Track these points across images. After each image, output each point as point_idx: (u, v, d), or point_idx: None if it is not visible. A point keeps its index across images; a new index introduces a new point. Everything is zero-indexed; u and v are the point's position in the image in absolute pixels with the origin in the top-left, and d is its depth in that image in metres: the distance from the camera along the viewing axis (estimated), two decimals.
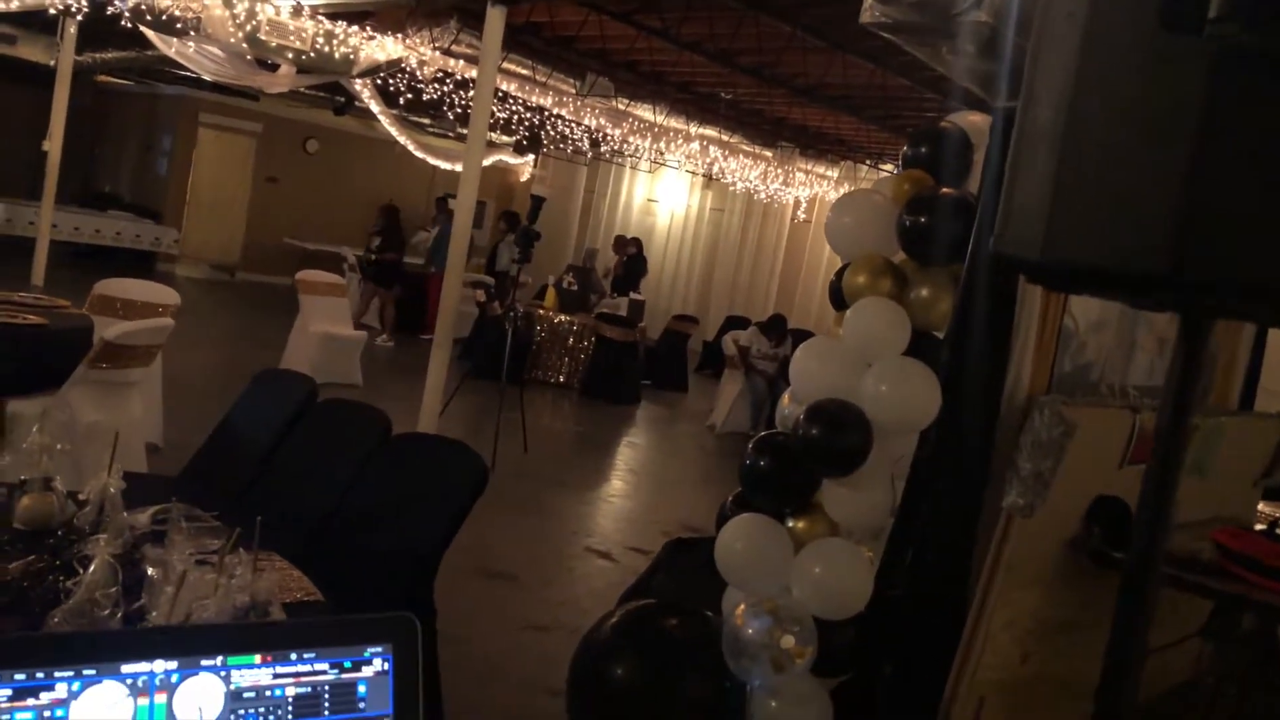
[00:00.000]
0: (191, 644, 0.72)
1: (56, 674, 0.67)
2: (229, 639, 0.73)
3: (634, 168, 16.56)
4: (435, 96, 9.65)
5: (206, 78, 10.73)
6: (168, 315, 5.25)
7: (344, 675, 0.76)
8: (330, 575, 2.57)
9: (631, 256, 13.42)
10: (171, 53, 8.98)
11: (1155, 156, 0.85)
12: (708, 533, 3.02)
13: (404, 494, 2.73)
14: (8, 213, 13.62)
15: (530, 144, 12.53)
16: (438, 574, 4.47)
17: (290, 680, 0.75)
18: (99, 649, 0.70)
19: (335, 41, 7.89)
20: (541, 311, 11.16)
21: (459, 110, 9.77)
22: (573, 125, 10.68)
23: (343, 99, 13.06)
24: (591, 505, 6.75)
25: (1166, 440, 0.99)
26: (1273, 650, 2.92)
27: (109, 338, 4.18)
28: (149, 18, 7.52)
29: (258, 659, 0.74)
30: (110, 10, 8.19)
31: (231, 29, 7.47)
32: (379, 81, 9.60)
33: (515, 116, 10.46)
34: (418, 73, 8.77)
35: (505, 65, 8.32)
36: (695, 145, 10.49)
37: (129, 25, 8.36)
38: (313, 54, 7.88)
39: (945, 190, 2.68)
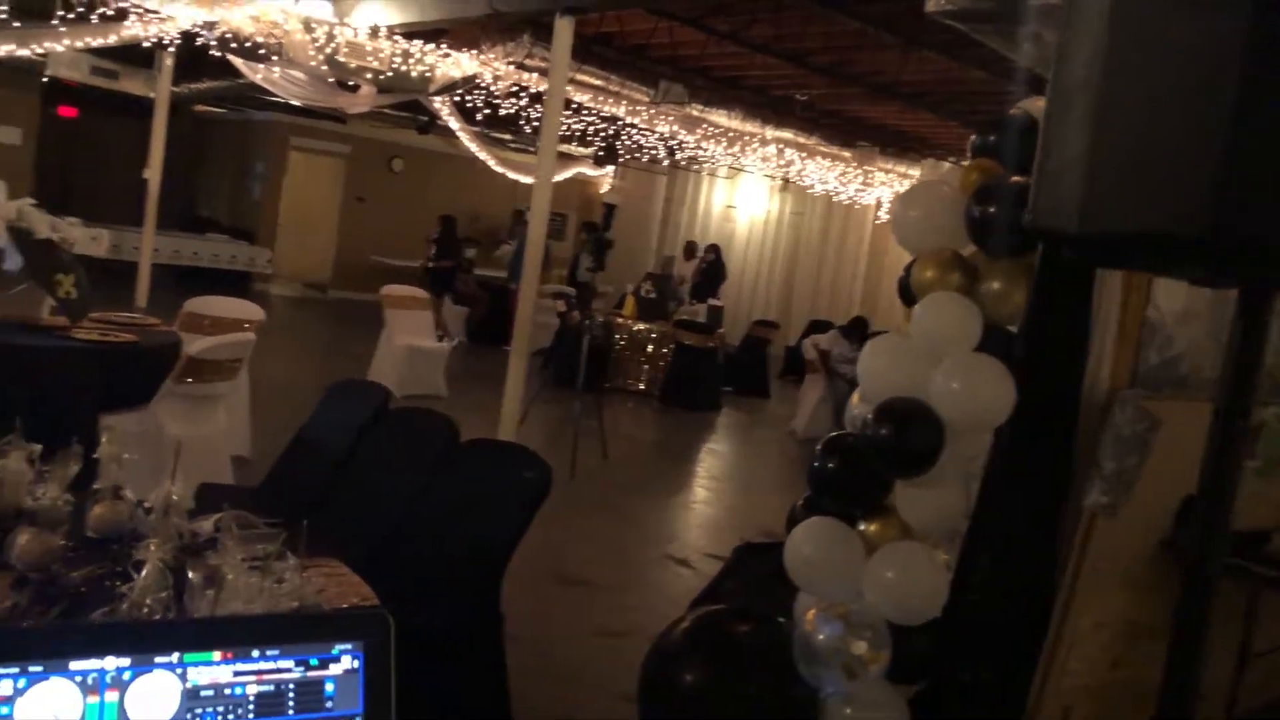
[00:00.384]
0: (146, 640, 0.70)
1: (1, 671, 0.66)
2: (185, 636, 0.71)
3: (712, 174, 16.51)
4: (512, 111, 9.76)
5: (293, 102, 11.06)
6: (251, 331, 5.39)
7: (310, 673, 0.73)
8: (398, 581, 2.59)
9: (710, 263, 13.37)
10: (258, 79, 9.27)
11: (1195, 112, 0.78)
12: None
13: (470, 499, 2.75)
14: (115, 238, 14.12)
15: (607, 155, 12.58)
16: (514, 580, 4.50)
17: (252, 678, 0.72)
18: (47, 645, 0.67)
19: (412, 60, 8.03)
20: (620, 320, 11.18)
21: (535, 124, 9.87)
22: (647, 134, 10.68)
23: (425, 118, 13.31)
24: (670, 512, 6.72)
25: (1225, 424, 0.92)
26: None
27: (193, 353, 4.31)
28: (234, 45, 7.78)
29: (216, 656, 0.71)
30: (199, 41, 8.49)
31: (312, 52, 7.67)
32: (457, 98, 9.75)
33: (590, 128, 10.51)
34: (493, 88, 8.88)
35: (578, 76, 8.37)
36: (772, 148, 10.40)
37: (218, 55, 8.66)
38: (390, 73, 8.03)
39: (1015, 178, 2.59)
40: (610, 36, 8.45)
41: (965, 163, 2.84)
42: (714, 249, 13.70)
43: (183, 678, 0.69)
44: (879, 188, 12.51)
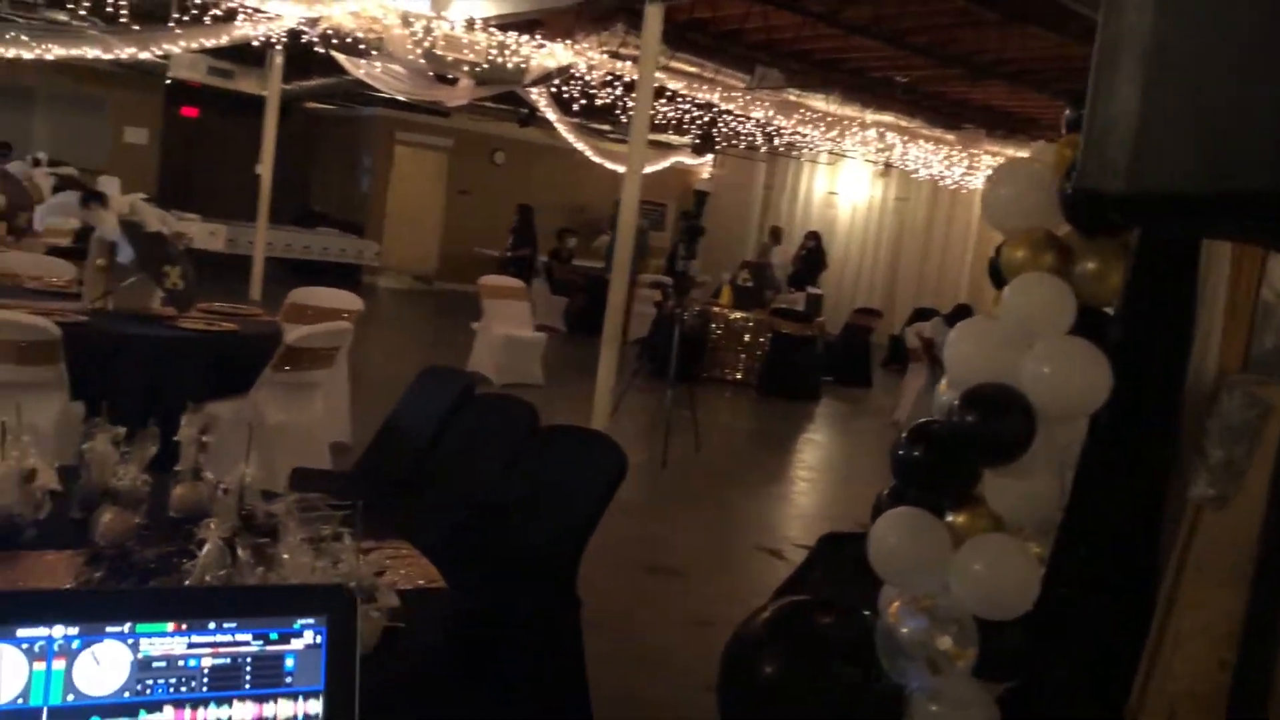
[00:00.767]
0: (96, 609, 0.68)
1: None
2: (138, 606, 0.70)
3: (812, 160, 16.27)
4: (608, 101, 9.77)
5: (396, 96, 11.30)
6: (350, 320, 5.51)
7: (269, 647, 0.71)
8: (477, 565, 2.61)
9: (810, 250, 13.18)
10: (360, 74, 9.50)
11: (1262, 53, 0.70)
12: None
13: (547, 485, 2.75)
14: (231, 233, 14.78)
15: (704, 142, 12.50)
16: (602, 568, 4.51)
17: (207, 651, 0.70)
18: None
19: (507, 52, 8.11)
20: (717, 309, 11.11)
21: (631, 113, 9.87)
22: (743, 120, 10.57)
23: (526, 110, 13.46)
24: (764, 502, 6.64)
25: None
26: None
27: (289, 341, 4.43)
28: (335, 41, 7.97)
29: (170, 627, 0.70)
30: (304, 38, 8.74)
31: (410, 46, 7.82)
32: (553, 89, 9.81)
33: (686, 115, 10.46)
34: (588, 78, 8.90)
35: (672, 64, 8.33)
36: (872, 132, 10.17)
37: (321, 51, 8.90)
38: (486, 65, 8.13)
39: None
40: (704, 22, 8.38)
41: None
42: (814, 236, 13.50)
43: (134, 648, 0.68)
44: (986, 171, 12.14)
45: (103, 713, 0.65)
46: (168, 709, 0.66)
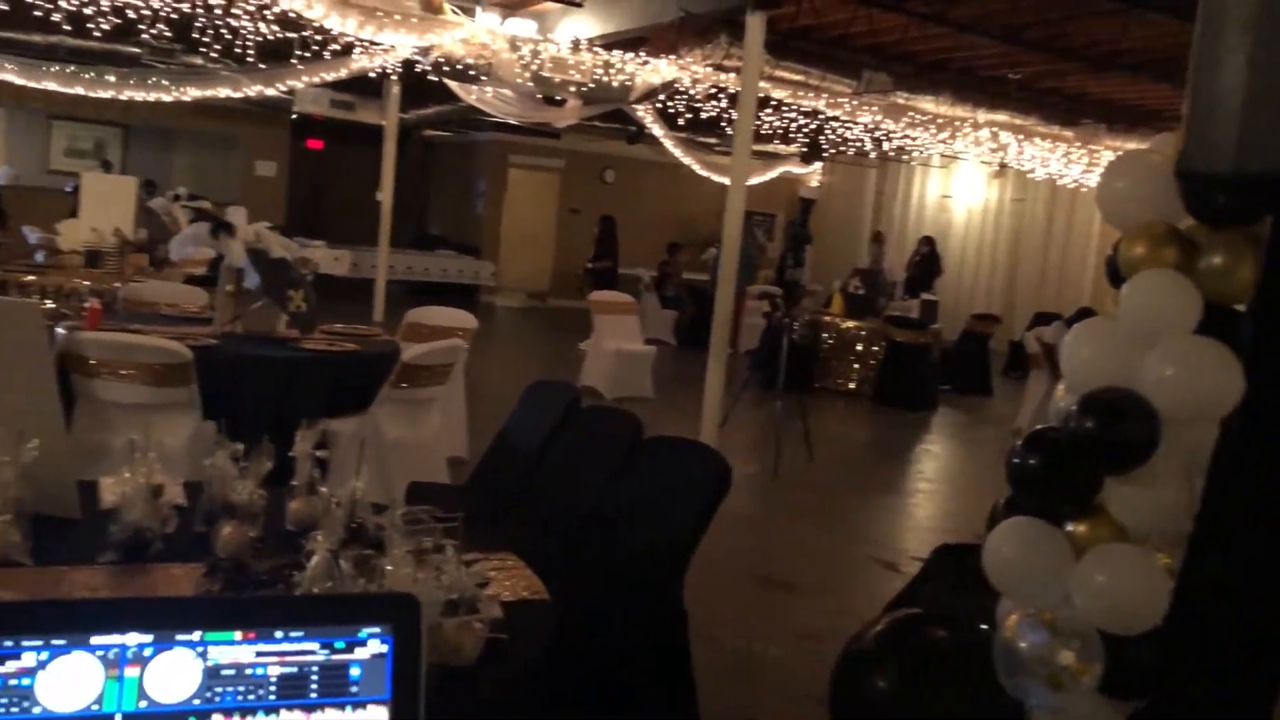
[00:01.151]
0: (167, 617, 0.69)
1: (24, 643, 0.67)
2: (207, 614, 0.70)
3: (924, 164, 15.93)
4: (713, 114, 9.78)
5: (508, 120, 11.56)
6: (465, 338, 5.64)
7: (335, 656, 0.70)
8: (582, 577, 2.63)
9: (924, 255, 12.89)
10: (472, 99, 9.75)
11: None
12: None
13: (651, 497, 2.75)
14: (355, 258, 15.34)
15: (811, 151, 12.37)
16: (713, 581, 4.48)
17: (274, 659, 0.70)
18: (70, 619, 0.68)
19: (613, 70, 8.21)
20: (828, 318, 10.96)
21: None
22: (850, 126, 10.43)
23: (634, 128, 13.58)
24: (878, 514, 6.51)
25: None
26: None
27: (405, 359, 4.55)
28: (447, 69, 8.20)
29: (238, 635, 0.70)
30: (418, 68, 9.02)
31: (519, 70, 7.98)
32: (658, 105, 9.88)
33: (792, 124, 10.38)
34: (692, 91, 8.93)
35: (776, 73, 8.28)
36: (985, 133, 9.90)
37: (435, 79, 9.17)
38: (592, 85, 8.24)
39: None
40: (808, 29, 8.31)
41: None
42: (928, 241, 13.21)
43: (203, 656, 0.69)
44: None
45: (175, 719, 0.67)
46: (236, 717, 0.68)
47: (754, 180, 13.46)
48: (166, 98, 10.80)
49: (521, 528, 2.92)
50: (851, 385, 10.78)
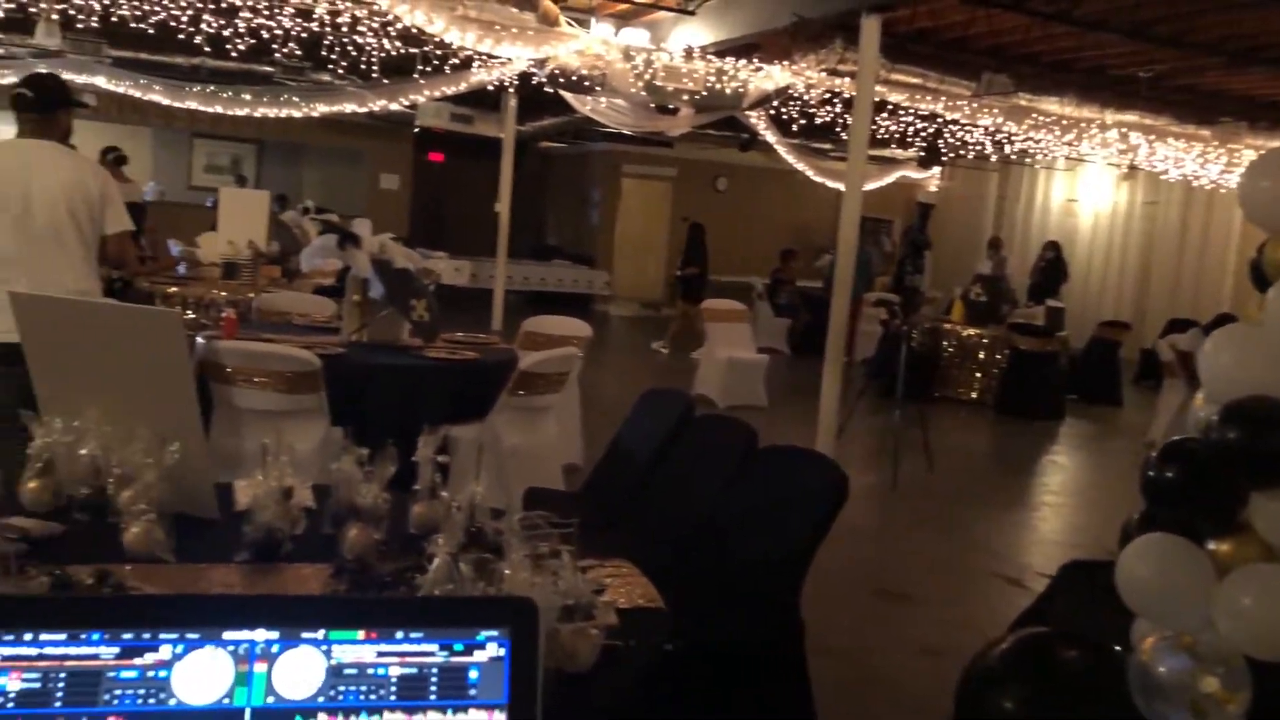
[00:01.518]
0: (293, 615, 0.70)
1: (162, 635, 0.69)
2: (331, 612, 0.71)
3: (1049, 167, 15.41)
4: (827, 119, 9.67)
5: (622, 130, 11.66)
6: (579, 346, 5.70)
7: (454, 659, 0.70)
8: (697, 585, 2.62)
9: (1049, 261, 12.46)
10: (587, 110, 9.87)
11: None
12: None
13: (766, 506, 2.72)
14: (475, 268, 15.72)
15: (930, 155, 12.10)
16: (832, 593, 4.42)
17: (395, 660, 0.70)
18: (203, 614, 0.70)
19: (725, 78, 8.20)
20: (948, 326, 10.69)
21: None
22: (970, 129, 10.17)
23: (747, 135, 13.53)
24: (1001, 527, 6.30)
25: None
26: None
27: (523, 367, 4.62)
28: (562, 80, 8.33)
29: (361, 635, 0.70)
30: (534, 80, 9.19)
31: (632, 79, 8.04)
32: (771, 111, 9.82)
33: (910, 128, 10.18)
34: (806, 97, 8.85)
35: (892, 76, 8.13)
36: (1113, 133, 9.51)
37: (550, 91, 9.32)
38: (705, 93, 8.24)
39: None
40: (925, 32, 8.14)
41: None
42: (1053, 246, 12.75)
43: (327, 654, 0.70)
44: None
45: (300, 716, 0.69)
46: (361, 716, 0.69)
47: (870, 186, 13.25)
48: (297, 114, 11.28)
49: (635, 535, 2.93)
50: (973, 394, 10.48)
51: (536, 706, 0.69)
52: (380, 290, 4.90)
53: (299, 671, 0.69)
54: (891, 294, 12.36)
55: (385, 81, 10.10)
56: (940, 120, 9.74)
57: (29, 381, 2.32)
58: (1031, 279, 12.68)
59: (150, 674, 0.68)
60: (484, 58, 8.77)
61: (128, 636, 0.68)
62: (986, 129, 10.05)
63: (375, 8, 7.45)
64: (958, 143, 11.50)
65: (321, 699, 0.69)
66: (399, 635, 0.70)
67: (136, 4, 8.27)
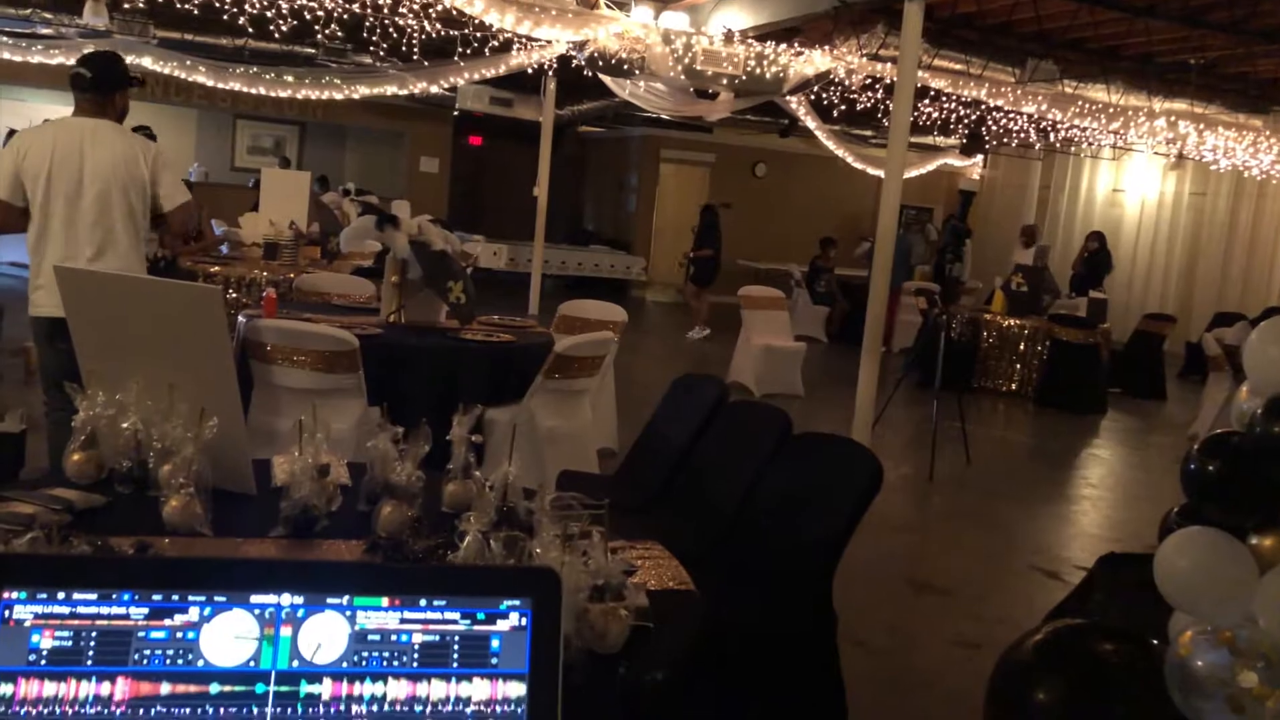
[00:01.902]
0: (318, 580, 0.71)
1: (190, 598, 0.70)
2: (355, 578, 0.72)
3: (1094, 156, 15.15)
4: (868, 105, 9.57)
5: (660, 115, 11.62)
6: (615, 331, 5.71)
7: (476, 627, 0.70)
8: (731, 571, 2.62)
9: (1093, 252, 12.27)
10: (625, 94, 9.84)
11: None
12: None
13: (800, 494, 2.71)
14: (512, 252, 15.77)
15: (972, 142, 11.94)
16: (867, 584, 4.40)
17: (418, 627, 0.71)
18: (230, 577, 0.71)
19: (765, 62, 8.13)
20: (988, 316, 10.57)
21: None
22: (1014, 117, 10.01)
23: (786, 121, 13.43)
24: (1040, 521, 6.23)
25: None
26: None
27: (559, 350, 4.64)
28: (601, 64, 8.31)
29: (385, 602, 0.71)
30: (573, 63, 9.18)
31: (671, 63, 8.01)
32: (812, 97, 9.73)
33: (952, 115, 10.05)
34: (847, 82, 8.76)
35: (936, 62, 8.03)
36: (1161, 122, 9.33)
37: (589, 75, 9.30)
38: (745, 77, 8.18)
39: None
40: (969, 17, 8.02)
41: None
42: (1097, 237, 12.55)
43: (351, 620, 0.71)
44: None
45: (324, 679, 0.69)
46: (383, 681, 0.70)
47: (911, 173, 13.12)
48: (339, 96, 11.35)
49: (668, 520, 2.93)
50: (1012, 386, 10.37)
51: (557, 676, 0.69)
52: (418, 272, 4.92)
53: (323, 636, 0.70)
54: (931, 283, 12.25)
55: (426, 64, 10.13)
56: (983, 107, 9.61)
57: (73, 356, 2.36)
58: (1074, 270, 12.50)
59: (178, 635, 0.69)
60: (523, 40, 8.77)
61: (157, 598, 0.70)
62: (1030, 116, 9.89)
63: None
64: (1001, 130, 11.34)
65: (345, 664, 0.70)
66: (422, 603, 0.71)
67: None
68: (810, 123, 11.25)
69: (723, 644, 2.34)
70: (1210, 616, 2.35)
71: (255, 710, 0.69)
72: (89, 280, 2.52)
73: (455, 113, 15.17)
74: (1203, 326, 12.30)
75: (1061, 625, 2.78)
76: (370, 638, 0.70)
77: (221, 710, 0.68)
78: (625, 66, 8.22)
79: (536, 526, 1.58)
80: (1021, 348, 10.33)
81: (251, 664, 0.69)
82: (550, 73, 10.79)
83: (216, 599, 0.70)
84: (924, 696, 3.62)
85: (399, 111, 16.24)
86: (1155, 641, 2.51)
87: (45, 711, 0.67)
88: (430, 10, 8.21)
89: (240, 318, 4.52)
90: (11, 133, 12.45)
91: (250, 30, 9.71)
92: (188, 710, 0.68)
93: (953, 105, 9.84)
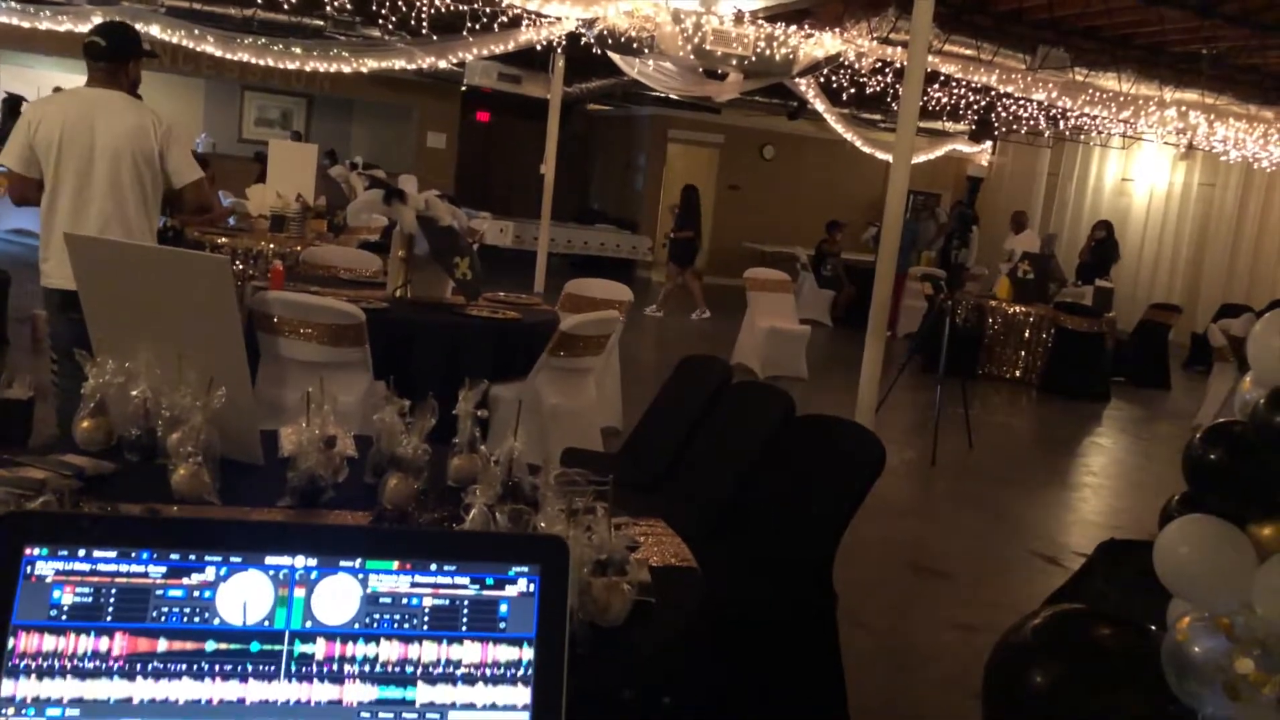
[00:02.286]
0: (331, 543, 0.73)
1: (207, 558, 0.72)
2: (367, 542, 0.73)
3: (1103, 145, 15.08)
4: (878, 89, 9.53)
5: (669, 94, 11.57)
6: (620, 310, 5.71)
7: (485, 592, 0.72)
8: (729, 551, 2.64)
9: (1100, 241, 12.25)
10: (634, 73, 9.80)
11: None
12: None
13: (802, 475, 2.72)
14: (518, 230, 15.74)
15: (981, 129, 11.89)
16: (868, 567, 4.42)
17: (428, 590, 0.72)
18: (246, 538, 0.73)
19: (775, 44, 8.09)
20: (993, 303, 10.56)
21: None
22: (1024, 104, 9.96)
23: (795, 103, 13.37)
24: (1041, 507, 6.25)
25: None
26: None
27: (563, 328, 4.65)
28: (610, 42, 8.27)
29: (395, 565, 0.72)
30: (582, 40, 9.13)
31: (681, 43, 7.97)
32: (822, 80, 9.69)
33: (962, 101, 10.00)
34: (857, 66, 8.72)
35: (946, 48, 7.98)
36: (1171, 112, 9.28)
37: (598, 52, 9.26)
38: (754, 58, 8.15)
39: None
40: (982, 2, 7.97)
41: None
42: (1104, 226, 12.52)
43: (363, 583, 0.72)
44: None
45: (337, 639, 0.71)
46: (393, 643, 0.71)
47: (919, 158, 13.07)
48: (347, 69, 11.30)
49: (671, 498, 2.94)
50: (1016, 373, 10.37)
51: (564, 641, 0.71)
52: (425, 247, 4.92)
53: (336, 598, 0.72)
54: (937, 269, 12.24)
55: (435, 38, 10.09)
56: (993, 93, 9.56)
57: (85, 327, 2.37)
58: (1081, 258, 12.47)
59: (195, 594, 0.71)
60: (533, 16, 8.73)
61: (175, 557, 0.71)
62: (1040, 104, 9.84)
63: None
64: (1010, 117, 11.29)
65: (357, 625, 0.71)
66: (432, 567, 0.72)
67: None
68: (819, 105, 11.21)
69: (723, 622, 2.36)
70: (1209, 603, 2.37)
71: (270, 668, 0.70)
72: (99, 248, 2.53)
73: (463, 88, 15.11)
74: (1209, 317, 12.28)
75: (1060, 610, 2.80)
76: (381, 600, 0.72)
77: (237, 667, 0.70)
78: (634, 45, 8.19)
79: (541, 501, 1.59)
80: (1026, 335, 10.33)
81: (266, 624, 0.71)
82: (559, 50, 10.74)
83: (232, 559, 0.72)
84: (923, 678, 3.64)
85: (407, 86, 16.18)
86: (1153, 628, 2.53)
87: (67, 665, 0.69)
88: None
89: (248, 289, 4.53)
90: (9, 96, 12.45)
91: (259, 0, 9.66)
92: (205, 666, 0.70)
93: (962, 91, 9.79)
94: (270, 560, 0.72)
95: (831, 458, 2.66)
